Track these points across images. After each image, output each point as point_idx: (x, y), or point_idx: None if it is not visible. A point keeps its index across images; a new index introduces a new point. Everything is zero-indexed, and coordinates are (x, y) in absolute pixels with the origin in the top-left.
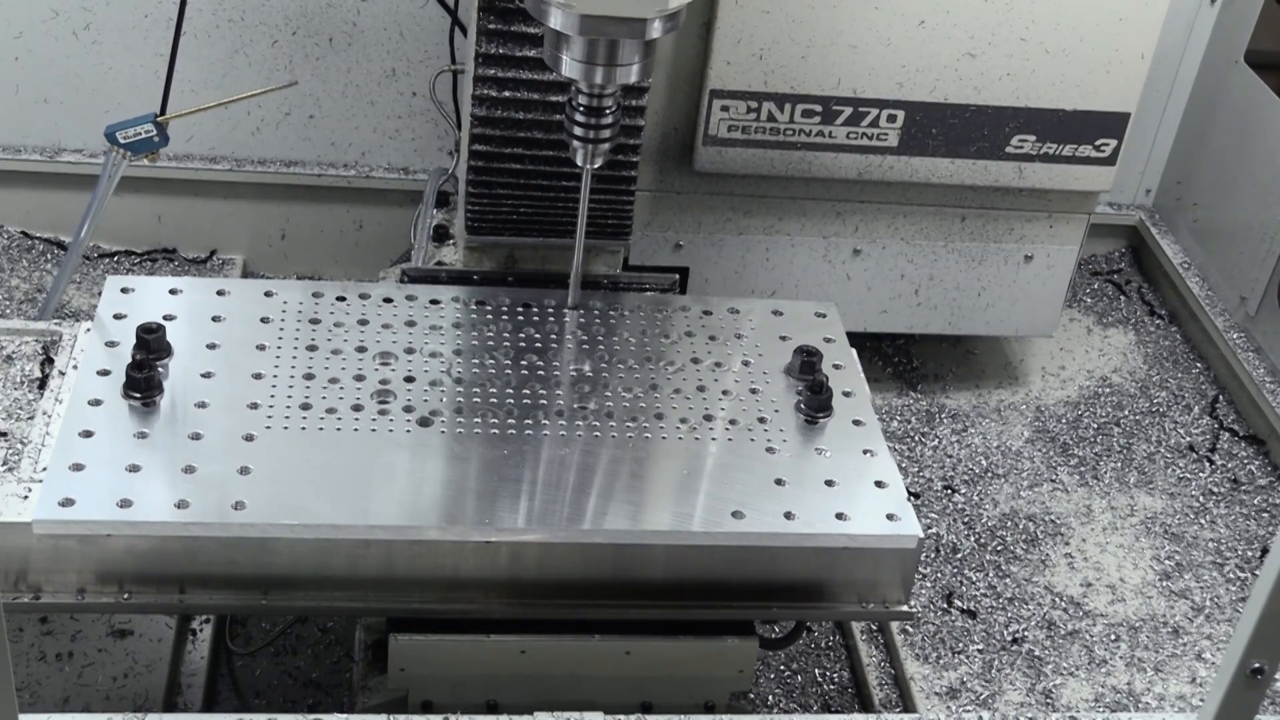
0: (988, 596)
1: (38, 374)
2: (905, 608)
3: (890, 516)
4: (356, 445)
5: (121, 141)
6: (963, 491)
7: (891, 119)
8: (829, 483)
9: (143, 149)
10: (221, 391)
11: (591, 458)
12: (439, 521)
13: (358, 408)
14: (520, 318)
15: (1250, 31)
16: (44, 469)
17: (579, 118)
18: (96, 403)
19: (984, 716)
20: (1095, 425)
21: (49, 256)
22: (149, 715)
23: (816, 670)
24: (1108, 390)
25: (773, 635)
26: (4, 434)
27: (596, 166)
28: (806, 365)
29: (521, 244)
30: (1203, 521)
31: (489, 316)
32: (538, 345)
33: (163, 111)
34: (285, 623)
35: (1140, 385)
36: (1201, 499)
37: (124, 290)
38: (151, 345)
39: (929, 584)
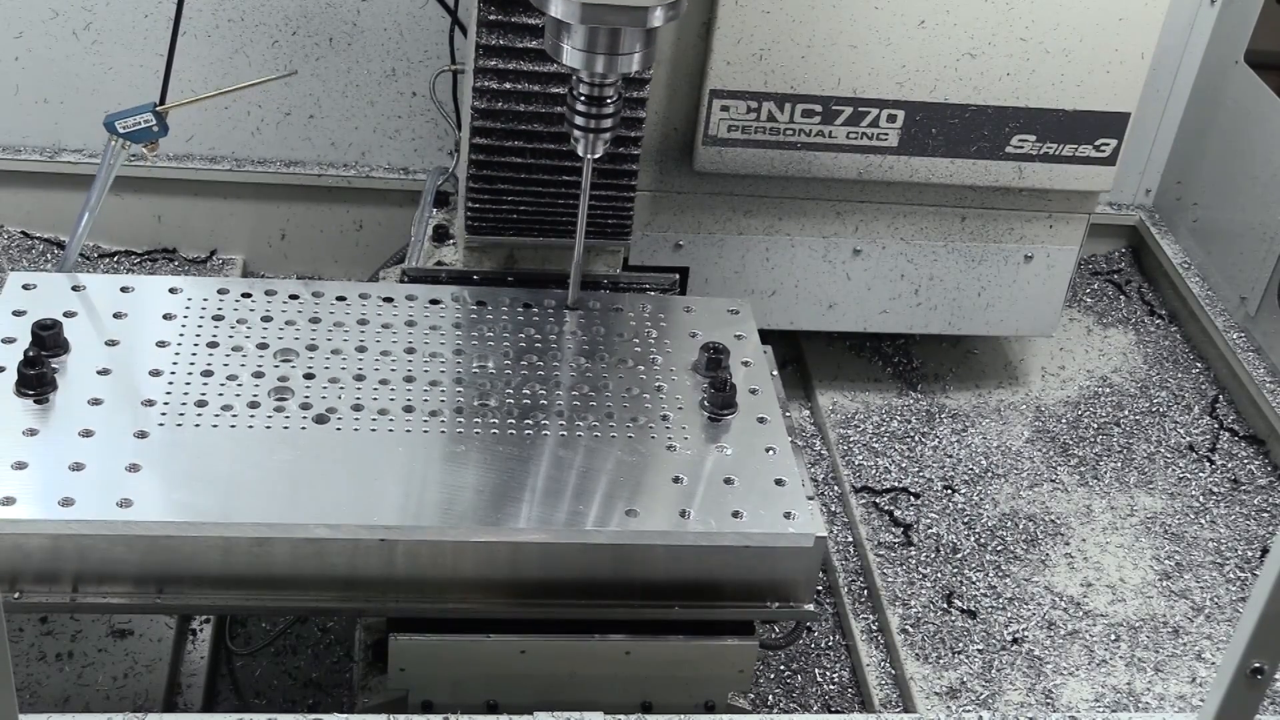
0: (988, 596)
1: None
2: (809, 608)
3: (787, 515)
4: (252, 443)
5: (121, 131)
6: (963, 491)
7: (891, 119)
8: (727, 480)
9: (142, 138)
10: (117, 388)
11: (488, 455)
12: (323, 519)
13: (254, 405)
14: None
15: (1250, 31)
16: None
17: (580, 108)
18: None
19: (984, 716)
20: (1095, 425)
21: (49, 256)
22: (149, 715)
23: (816, 670)
24: (1108, 390)
25: (773, 635)
26: None
27: (597, 156)
28: (712, 362)
29: (521, 244)
30: (1203, 521)
31: (392, 310)
32: (426, 342)
33: (162, 101)
34: (285, 623)
35: (1140, 385)
36: (1201, 499)
37: (25, 286)
38: (47, 342)
39: (929, 584)
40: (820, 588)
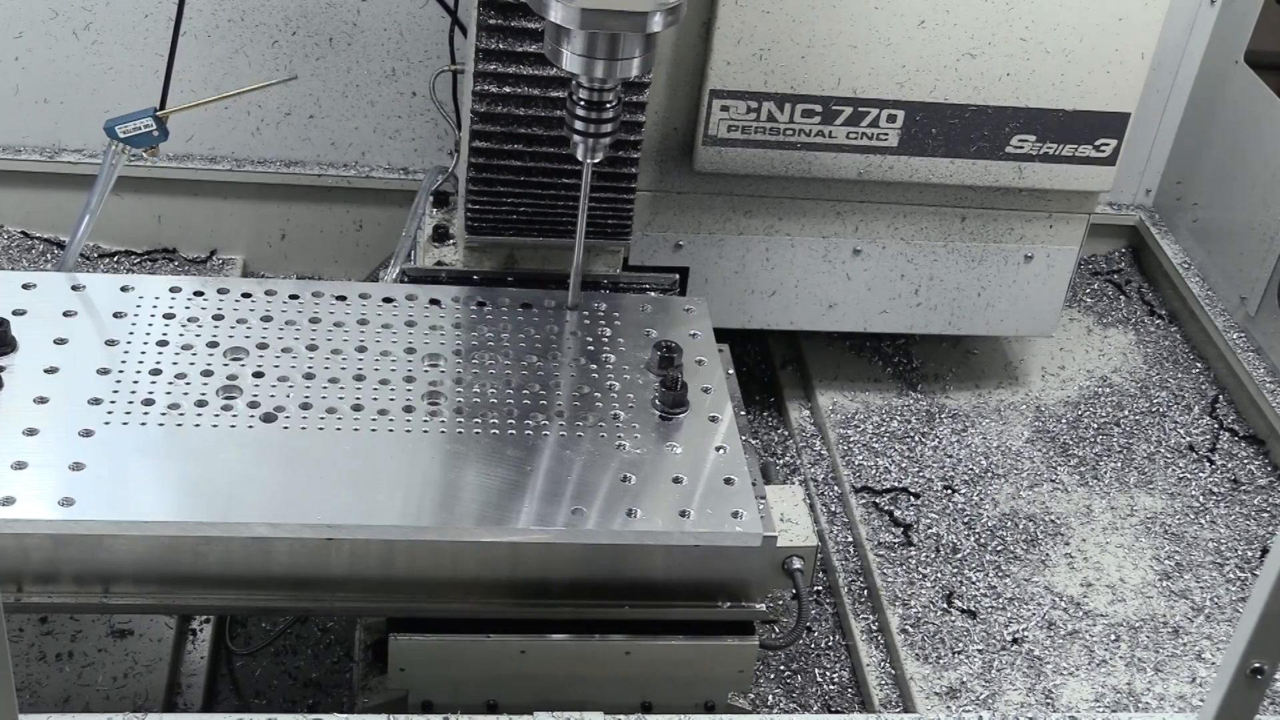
0: (988, 596)
1: None
2: (760, 607)
3: (735, 514)
4: (196, 441)
5: (121, 136)
6: (963, 491)
7: (891, 119)
8: (676, 480)
9: (142, 143)
10: (64, 387)
11: (446, 454)
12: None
13: (201, 403)
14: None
15: (1250, 31)
16: None
17: (580, 112)
18: None
19: (984, 716)
20: (1095, 425)
21: (49, 256)
22: (149, 715)
23: (816, 670)
24: (1108, 390)
25: (773, 635)
26: None
27: (597, 161)
28: (664, 360)
29: (521, 244)
30: (1203, 521)
31: (335, 306)
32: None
33: (162, 106)
34: (285, 623)
35: (1140, 385)
36: (1201, 499)
37: None
38: None
39: (929, 584)
40: (820, 588)
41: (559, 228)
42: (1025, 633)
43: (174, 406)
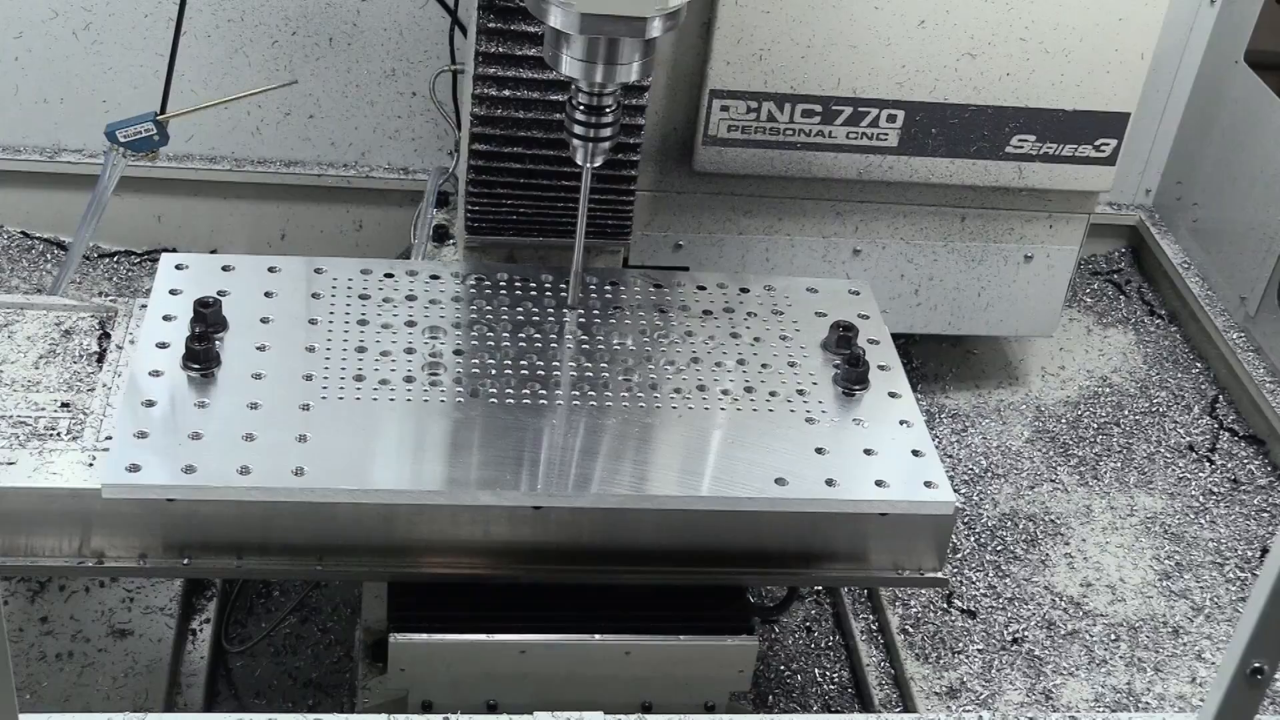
0: (988, 596)
1: (95, 348)
2: (939, 574)
3: (928, 484)
4: (409, 415)
5: (122, 140)
6: (963, 491)
7: (891, 119)
8: (868, 451)
9: (143, 148)
10: (276, 363)
11: (636, 428)
12: (489, 487)
13: (409, 379)
14: (561, 294)
15: (1250, 31)
16: (108, 437)
17: (579, 116)
18: (157, 374)
19: (984, 716)
20: (1095, 425)
21: (49, 256)
22: (149, 715)
23: (816, 670)
24: (1108, 390)
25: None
26: (66, 405)
27: (596, 165)
28: (843, 340)
29: (521, 244)
30: (1203, 521)
31: (533, 292)
32: (581, 321)
33: (163, 110)
34: (277, 620)
35: (1140, 385)
36: (1201, 499)
37: (178, 267)
38: (208, 319)
39: None
40: (819, 588)
41: (559, 228)
42: (1025, 633)
43: (384, 382)
